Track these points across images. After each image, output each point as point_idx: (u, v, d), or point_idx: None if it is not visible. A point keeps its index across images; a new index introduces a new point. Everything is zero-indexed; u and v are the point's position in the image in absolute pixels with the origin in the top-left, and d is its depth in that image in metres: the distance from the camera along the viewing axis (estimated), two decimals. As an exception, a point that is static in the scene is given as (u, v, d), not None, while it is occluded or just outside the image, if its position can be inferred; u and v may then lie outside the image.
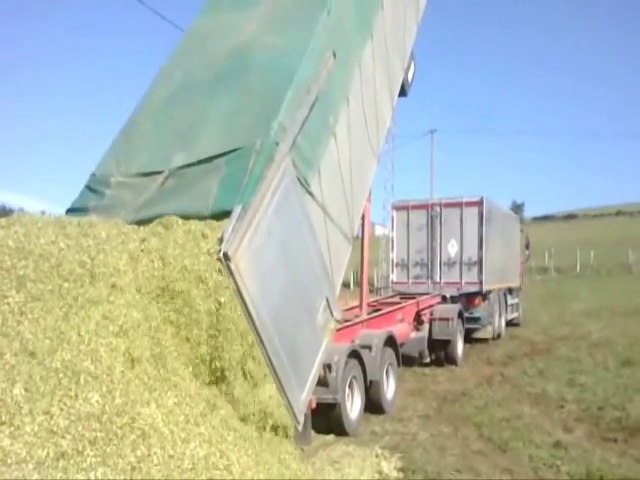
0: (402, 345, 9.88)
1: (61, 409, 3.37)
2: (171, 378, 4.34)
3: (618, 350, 12.55)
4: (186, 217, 5.30)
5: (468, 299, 14.08)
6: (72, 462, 3.13)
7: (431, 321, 12.29)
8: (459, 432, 7.48)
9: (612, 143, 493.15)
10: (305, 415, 5.72)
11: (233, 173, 5.52)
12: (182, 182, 5.88)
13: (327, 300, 6.31)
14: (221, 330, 4.95)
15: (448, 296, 13.60)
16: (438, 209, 14.52)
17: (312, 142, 6.42)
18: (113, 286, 4.47)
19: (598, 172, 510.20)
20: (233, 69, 6.81)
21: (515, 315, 17.81)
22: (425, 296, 12.97)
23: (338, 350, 7.20)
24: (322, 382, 6.57)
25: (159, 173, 6.08)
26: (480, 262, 14.10)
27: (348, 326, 8.21)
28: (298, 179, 6.00)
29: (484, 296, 14.35)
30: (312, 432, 6.45)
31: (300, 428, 5.57)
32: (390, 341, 8.98)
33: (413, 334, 11.44)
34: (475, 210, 14.18)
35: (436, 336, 12.16)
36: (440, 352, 12.36)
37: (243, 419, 4.95)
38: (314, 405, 6.22)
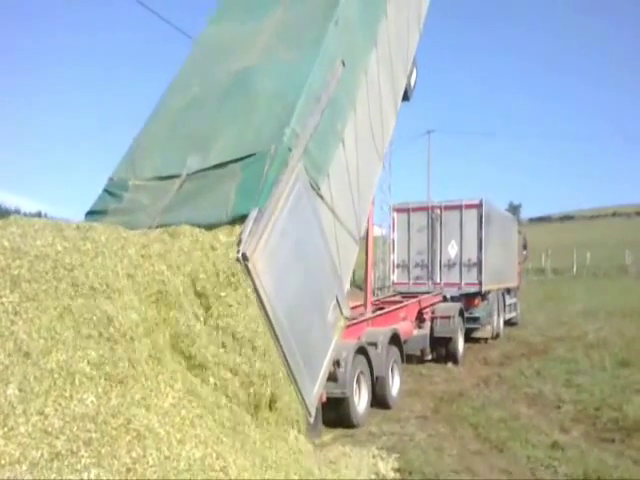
0: (405, 342, 10.07)
1: (55, 410, 3.34)
2: (168, 380, 4.32)
3: (615, 351, 12.54)
4: (206, 225, 5.53)
5: (468, 299, 14.24)
6: (66, 463, 3.11)
7: (433, 319, 12.51)
8: (456, 432, 7.47)
9: (609, 145, 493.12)
10: (316, 409, 5.96)
11: (249, 178, 5.77)
12: (200, 187, 6.09)
13: (337, 299, 6.64)
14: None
15: (448, 296, 13.76)
16: (438, 211, 14.74)
17: (322, 148, 6.72)
18: (110, 288, 4.46)
19: (595, 173, 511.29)
20: (246, 79, 7.07)
21: (513, 315, 18.09)
22: (427, 295, 13.16)
23: (346, 347, 7.42)
24: (331, 377, 6.81)
25: (175, 177, 6.33)
26: (479, 263, 14.32)
27: (354, 324, 8.34)
28: (310, 183, 6.30)
29: (483, 296, 14.54)
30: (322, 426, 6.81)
31: (312, 421, 5.82)
32: (395, 338, 9.24)
33: (415, 332, 11.65)
34: (474, 212, 14.40)
35: (438, 334, 12.40)
36: (441, 349, 12.61)
37: (247, 416, 4.97)
38: (324, 399, 6.54)
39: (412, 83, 10.71)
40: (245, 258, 5.07)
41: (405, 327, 10.75)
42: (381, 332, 9.03)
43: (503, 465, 6.23)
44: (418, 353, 12.34)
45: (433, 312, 12.65)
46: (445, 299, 13.62)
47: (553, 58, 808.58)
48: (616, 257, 48.75)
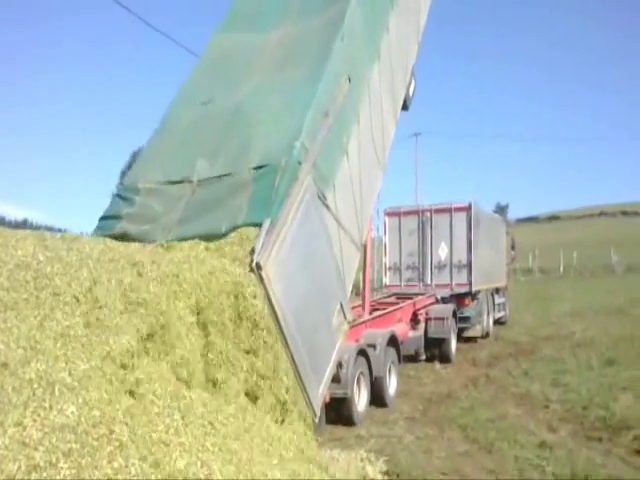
0: (402, 343, 10.32)
1: (34, 420, 3.27)
2: (152, 386, 4.27)
3: (602, 350, 12.60)
4: (218, 235, 5.91)
5: (458, 299, 14.50)
6: (45, 475, 3.03)
7: (427, 320, 12.79)
8: (445, 434, 7.45)
9: (594, 145, 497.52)
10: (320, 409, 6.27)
11: (261, 189, 6.09)
12: (212, 198, 6.37)
13: (341, 304, 6.97)
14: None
15: (439, 297, 13.93)
16: (428, 214, 15.00)
17: (329, 161, 7.05)
18: (92, 297, 4.41)
19: (581, 174, 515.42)
20: (255, 93, 7.33)
21: (502, 314, 18.47)
22: (420, 296, 13.38)
23: (347, 349, 7.68)
24: (334, 378, 7.07)
25: (185, 181, 6.66)
26: (469, 264, 14.63)
27: (354, 326, 8.48)
28: (317, 195, 6.61)
29: (473, 296, 14.82)
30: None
31: (317, 421, 6.10)
32: (392, 340, 9.56)
33: (411, 333, 11.95)
34: (463, 215, 14.72)
35: (432, 335, 12.71)
36: (435, 350, 12.91)
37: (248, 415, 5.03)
38: (328, 399, 6.88)
39: (411, 93, 11.13)
40: (259, 267, 5.36)
41: (401, 329, 11.05)
42: (379, 334, 9.31)
43: (491, 466, 6.21)
44: (412, 353, 12.53)
45: (427, 314, 12.90)
46: (436, 300, 13.79)
47: (539, 60, 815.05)
48: (602, 256, 49.10)
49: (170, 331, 4.77)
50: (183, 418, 4.18)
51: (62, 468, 3.13)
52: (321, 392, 6.30)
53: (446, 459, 6.50)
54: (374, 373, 8.64)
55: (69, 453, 3.22)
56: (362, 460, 6.31)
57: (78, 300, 4.26)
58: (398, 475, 5.90)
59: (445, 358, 12.85)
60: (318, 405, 6.14)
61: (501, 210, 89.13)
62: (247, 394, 5.34)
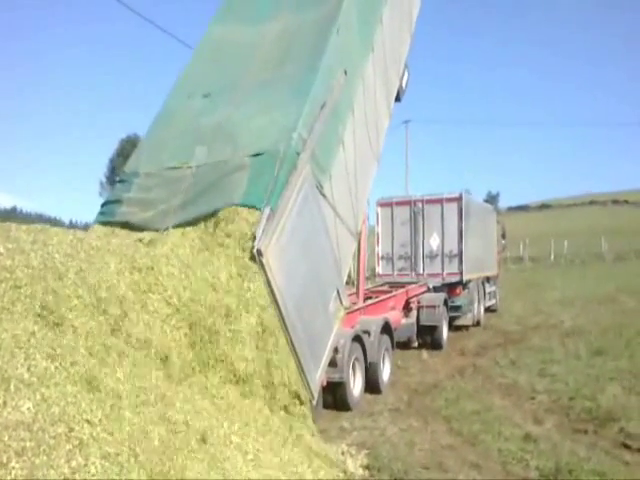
0: (395, 330, 10.54)
1: (-16, 417, 3.10)
2: (116, 384, 4.09)
3: (590, 339, 12.53)
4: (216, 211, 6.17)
5: (450, 289, 14.67)
6: (-7, 475, 2.87)
7: (419, 308, 13.04)
8: (429, 426, 7.33)
9: (585, 133, 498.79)
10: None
11: (259, 174, 6.31)
12: (210, 181, 6.59)
13: (337, 290, 7.25)
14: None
15: (431, 286, 14.11)
16: (420, 205, 15.16)
17: (326, 151, 7.26)
18: (55, 292, 4.26)
19: (572, 162, 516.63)
20: (252, 82, 7.61)
21: (493, 302, 18.73)
22: (413, 285, 13.61)
23: (343, 334, 7.83)
24: (331, 363, 7.32)
25: (184, 167, 6.90)
26: (460, 254, 14.77)
27: (349, 313, 8.57)
28: (315, 184, 6.85)
29: (464, 285, 14.98)
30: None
31: (315, 404, 6.33)
32: (386, 327, 9.81)
33: (404, 320, 12.20)
34: (454, 205, 14.86)
35: (424, 322, 12.99)
36: (427, 337, 13.18)
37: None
38: (325, 383, 7.07)
39: (404, 85, 11.38)
40: (260, 254, 5.58)
41: (394, 316, 11.24)
42: (374, 321, 9.52)
43: (474, 459, 6.09)
44: (404, 340, 12.61)
45: (419, 302, 13.12)
46: (428, 289, 13.97)
47: (531, 44, 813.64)
48: (592, 245, 49.19)
49: (137, 324, 4.63)
50: (151, 416, 4.01)
51: (13, 468, 2.97)
52: (319, 376, 6.52)
53: (429, 452, 6.37)
54: (368, 359, 8.81)
55: (22, 452, 3.06)
56: (343, 454, 6.18)
57: (38, 295, 4.09)
58: (379, 469, 5.75)
59: (437, 345, 13.12)
60: (316, 389, 6.37)
61: (492, 199, 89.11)
62: (237, 381, 5.39)
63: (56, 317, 4.08)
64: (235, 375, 5.34)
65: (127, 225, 6.85)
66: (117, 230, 6.90)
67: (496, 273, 19.29)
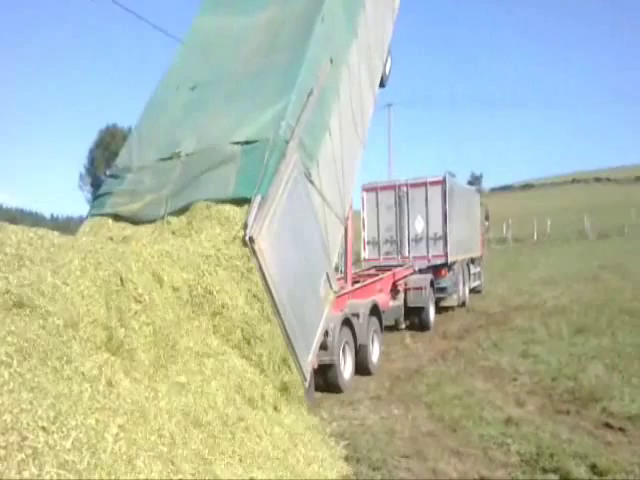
0: (383, 312, 10.66)
1: None
2: (74, 388, 3.88)
3: (572, 318, 12.51)
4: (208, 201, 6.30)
5: (435, 271, 14.82)
6: None
7: (406, 290, 13.26)
8: (410, 413, 7.19)
9: (567, 113, 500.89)
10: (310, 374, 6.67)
11: (249, 164, 6.43)
12: (200, 167, 6.72)
13: (327, 275, 7.44)
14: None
15: (417, 269, 14.28)
16: (405, 189, 15.32)
17: (313, 138, 7.38)
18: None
19: (554, 142, 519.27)
20: (240, 72, 7.75)
21: (477, 283, 18.94)
22: (399, 268, 13.78)
23: (333, 318, 7.99)
24: (321, 346, 7.44)
25: (174, 157, 7.04)
26: (445, 236, 14.95)
27: (337, 297, 8.62)
28: (304, 172, 6.98)
29: (449, 267, 15.16)
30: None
31: (307, 386, 6.47)
32: (374, 309, 9.98)
33: (391, 303, 12.35)
34: (439, 188, 15.04)
35: (411, 304, 13.21)
36: (414, 318, 13.45)
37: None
38: (316, 366, 7.19)
39: (387, 71, 11.53)
40: (252, 240, 5.69)
41: (382, 299, 11.39)
42: (362, 304, 9.67)
43: (455, 446, 5.95)
44: (392, 323, 12.80)
45: (406, 284, 13.31)
46: (415, 271, 14.12)
47: (512, 25, 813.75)
48: (575, 223, 49.47)
49: (98, 324, 4.44)
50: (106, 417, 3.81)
51: (-47, 482, 2.77)
52: (310, 359, 6.68)
53: (409, 440, 6.23)
54: (358, 341, 8.99)
55: (-35, 464, 2.86)
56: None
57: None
58: (358, 460, 5.60)
59: (424, 326, 13.36)
60: (308, 371, 6.54)
61: (475, 180, 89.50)
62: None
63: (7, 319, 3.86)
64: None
65: (118, 217, 7.03)
66: (109, 222, 7.11)
67: (480, 254, 19.50)
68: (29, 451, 3.15)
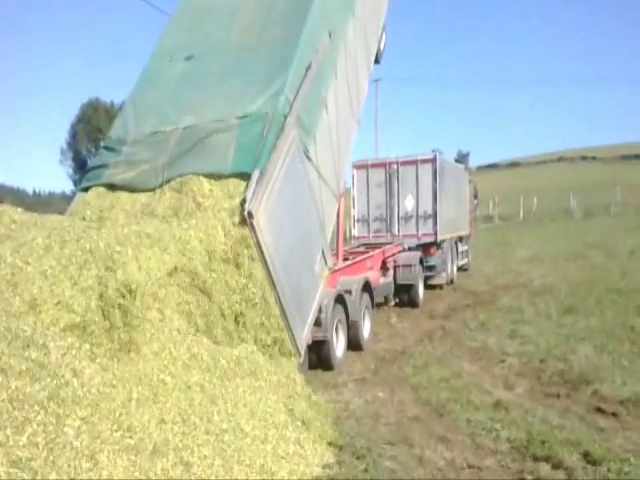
0: (374, 289, 10.70)
1: None
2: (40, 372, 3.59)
3: (560, 297, 12.35)
4: (208, 174, 6.29)
5: (424, 249, 14.81)
6: None
7: (395, 268, 13.24)
8: (395, 396, 6.96)
9: (554, 91, 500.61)
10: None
11: (247, 137, 6.42)
12: (198, 138, 6.65)
13: (322, 251, 7.51)
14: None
15: (406, 247, 14.23)
16: (395, 167, 15.20)
17: (310, 114, 7.33)
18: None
19: (541, 120, 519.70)
20: (236, 45, 7.63)
21: (465, 261, 19.01)
22: (389, 245, 13.78)
23: (327, 294, 8.02)
24: (315, 322, 7.48)
25: (172, 131, 6.95)
26: (434, 214, 14.95)
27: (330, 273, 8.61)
28: (301, 147, 6.94)
29: (438, 245, 15.16)
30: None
31: (301, 361, 6.54)
32: (366, 286, 10.05)
33: (382, 280, 12.42)
34: (429, 167, 14.96)
35: (400, 281, 13.23)
36: (404, 295, 13.51)
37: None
38: (310, 342, 7.27)
39: (382, 47, 11.60)
40: (250, 215, 5.69)
41: (373, 276, 11.52)
42: (354, 280, 9.74)
43: (442, 432, 5.72)
44: (382, 300, 12.74)
45: (396, 261, 13.30)
46: (404, 249, 14.10)
47: (498, 3, 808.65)
48: (561, 201, 49.44)
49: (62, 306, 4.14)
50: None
51: None
52: (305, 334, 6.79)
53: (394, 426, 5.99)
54: (350, 317, 9.02)
55: None
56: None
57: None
58: (340, 448, 5.33)
59: (413, 303, 13.44)
60: (303, 346, 6.63)
61: (463, 157, 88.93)
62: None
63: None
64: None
65: (113, 187, 6.95)
66: (102, 192, 7.03)
67: (468, 232, 19.46)
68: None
